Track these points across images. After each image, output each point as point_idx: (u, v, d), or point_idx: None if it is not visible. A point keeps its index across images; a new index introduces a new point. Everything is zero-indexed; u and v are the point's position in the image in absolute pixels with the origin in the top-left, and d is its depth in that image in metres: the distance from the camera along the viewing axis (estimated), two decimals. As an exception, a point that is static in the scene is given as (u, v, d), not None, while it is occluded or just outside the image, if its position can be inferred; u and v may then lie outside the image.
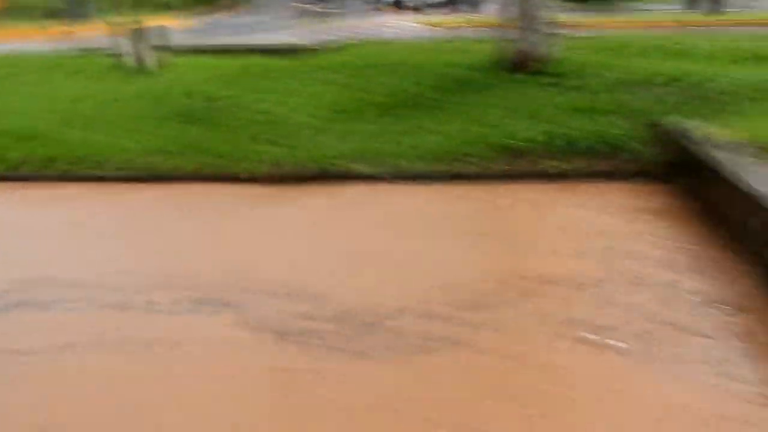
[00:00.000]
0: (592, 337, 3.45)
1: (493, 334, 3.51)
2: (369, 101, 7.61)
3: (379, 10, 25.57)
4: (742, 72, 7.21)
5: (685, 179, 5.43)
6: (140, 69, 10.85)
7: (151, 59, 10.98)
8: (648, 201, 5.31)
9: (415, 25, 18.72)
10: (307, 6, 19.99)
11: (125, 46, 11.11)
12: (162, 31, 11.60)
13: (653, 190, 5.54)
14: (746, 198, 4.27)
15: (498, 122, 6.57)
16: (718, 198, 4.77)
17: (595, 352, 3.34)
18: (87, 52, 12.69)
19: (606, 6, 20.14)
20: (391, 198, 5.73)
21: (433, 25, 18.09)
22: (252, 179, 6.11)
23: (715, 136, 5.35)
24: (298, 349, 3.43)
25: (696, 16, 16.67)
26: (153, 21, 12.48)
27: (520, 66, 8.04)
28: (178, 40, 12.91)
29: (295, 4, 21.17)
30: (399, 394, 3.08)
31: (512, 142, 6.17)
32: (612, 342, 3.41)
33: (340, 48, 11.38)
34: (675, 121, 5.88)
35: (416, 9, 25.37)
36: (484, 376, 3.21)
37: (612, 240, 4.60)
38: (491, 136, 6.31)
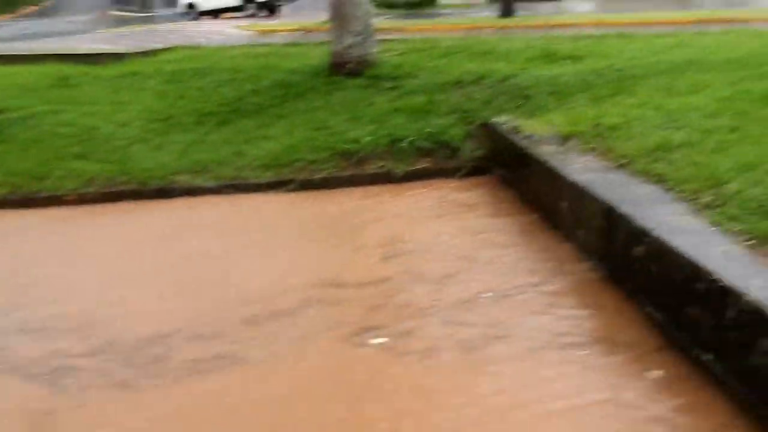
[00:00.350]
0: (376, 341, 3.44)
1: (269, 348, 3.40)
2: (188, 109, 7.24)
3: (187, 14, 24.61)
4: (539, 69, 7.83)
5: (503, 171, 5.79)
6: None
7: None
8: (469, 195, 5.59)
9: (233, 30, 18.25)
10: (114, 11, 18.74)
11: None
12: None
13: (475, 183, 5.84)
14: (556, 184, 4.63)
15: (338, 128, 6.54)
16: (533, 186, 5.13)
17: (376, 355, 3.35)
18: None
19: (414, 11, 21.07)
20: (213, 212, 5.48)
21: (255, 31, 17.76)
22: (55, 200, 5.52)
23: (525, 129, 5.75)
24: (49, 390, 3.13)
25: (493, 20, 17.96)
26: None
27: (344, 69, 8.10)
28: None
29: (101, 9, 19.74)
30: (164, 424, 2.92)
31: (342, 144, 6.18)
32: (388, 342, 3.43)
33: (149, 54, 10.73)
34: (491, 116, 6.23)
35: (214, 14, 24.65)
36: (253, 394, 3.09)
37: (429, 239, 4.71)
38: (320, 140, 6.27)
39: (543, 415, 2.83)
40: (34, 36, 17.62)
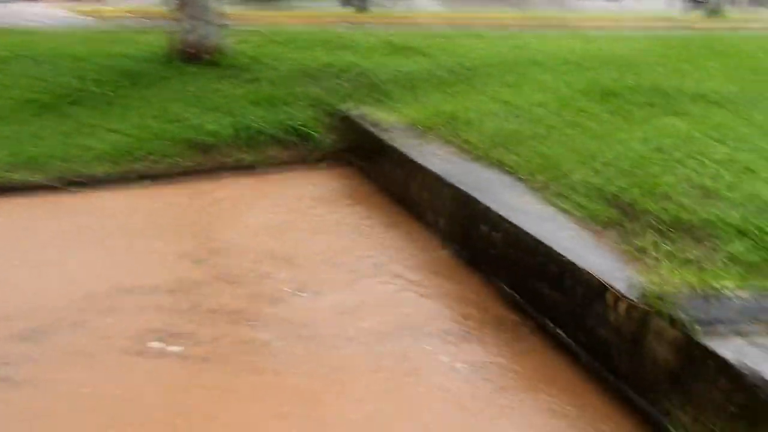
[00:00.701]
0: (165, 347, 3.25)
1: (49, 364, 3.09)
2: (25, 99, 6.59)
3: None
4: (394, 63, 8.04)
5: (362, 162, 5.88)
6: None
7: None
8: (328, 186, 5.62)
9: (64, 14, 16.82)
10: None
11: None
12: None
13: (334, 175, 5.88)
14: (416, 174, 4.79)
15: (179, 116, 6.27)
16: (392, 177, 5.26)
17: (160, 362, 3.16)
18: None
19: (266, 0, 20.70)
20: (53, 211, 5.04)
21: (86, 14, 16.48)
22: None
23: (382, 121, 5.89)
24: None
25: (349, 12, 18.14)
26: None
27: (193, 57, 7.77)
28: None
29: None
30: None
31: (197, 136, 5.95)
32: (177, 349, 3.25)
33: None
34: (349, 108, 6.31)
35: None
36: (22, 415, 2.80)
37: (283, 233, 4.67)
38: (174, 132, 6.00)
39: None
40: None
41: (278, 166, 5.90)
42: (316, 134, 6.17)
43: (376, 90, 6.87)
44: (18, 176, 5.30)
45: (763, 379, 2.16)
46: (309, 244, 4.42)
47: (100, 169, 5.57)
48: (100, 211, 5.06)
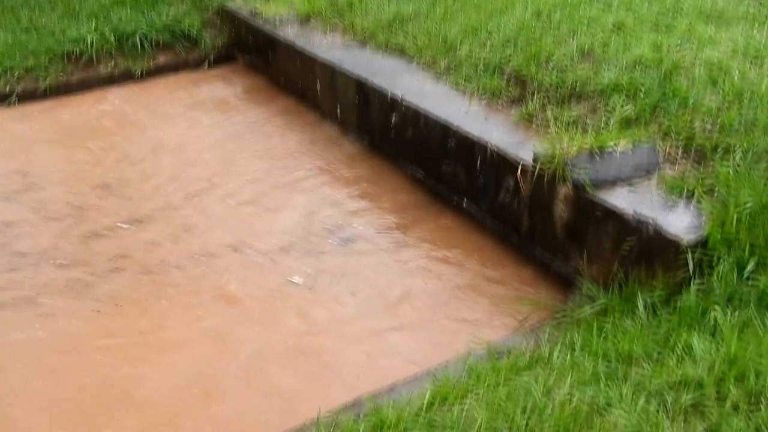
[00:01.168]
0: None
1: None
2: None
3: None
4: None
5: (249, 57, 5.70)
6: None
7: None
8: (217, 86, 5.43)
9: None
10: None
11: None
12: None
13: (222, 74, 5.67)
14: (307, 65, 4.73)
15: (37, 26, 5.73)
16: (283, 69, 5.16)
17: None
18: None
19: None
20: None
21: None
22: None
23: (263, 12, 5.66)
24: None
25: None
26: None
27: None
28: None
29: None
30: None
31: (62, 46, 5.50)
32: None
33: None
34: (238, 4, 5.98)
35: None
36: None
37: (175, 138, 4.57)
38: (33, 43, 5.50)
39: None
40: None
41: (160, 70, 5.60)
42: (196, 32, 5.86)
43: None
44: None
45: (643, 218, 2.47)
46: (211, 151, 4.36)
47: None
48: None
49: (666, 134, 2.90)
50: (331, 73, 4.44)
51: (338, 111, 4.47)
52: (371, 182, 3.89)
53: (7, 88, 5.26)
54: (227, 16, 5.93)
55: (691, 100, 2.99)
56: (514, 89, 3.55)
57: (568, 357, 2.17)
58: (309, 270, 3.17)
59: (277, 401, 2.44)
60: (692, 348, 2.02)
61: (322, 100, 4.66)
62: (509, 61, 3.73)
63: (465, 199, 3.43)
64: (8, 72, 5.36)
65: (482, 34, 4.16)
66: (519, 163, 2.97)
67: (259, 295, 3.02)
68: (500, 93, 3.57)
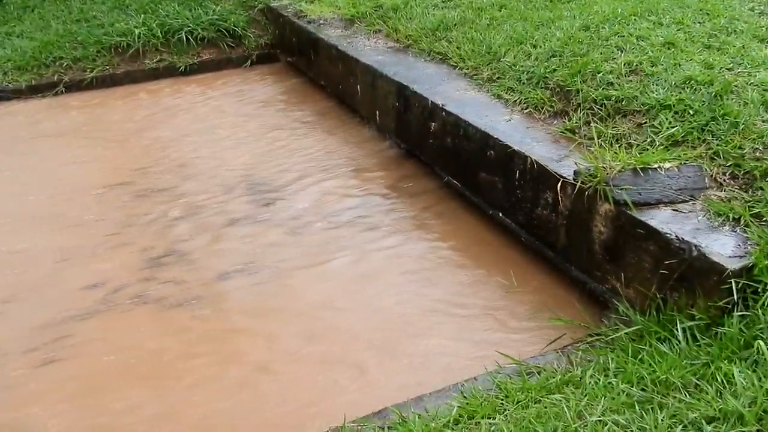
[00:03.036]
0: None
1: None
2: None
3: None
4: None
5: (292, 57, 5.73)
6: None
7: None
8: (259, 85, 5.49)
9: None
10: None
11: None
12: None
13: (264, 72, 5.73)
14: (349, 67, 4.73)
15: (86, 17, 5.86)
16: (325, 71, 5.17)
17: None
18: None
19: None
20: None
21: None
22: None
23: (308, 12, 5.69)
24: None
25: None
26: None
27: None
28: None
29: None
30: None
31: (110, 38, 5.60)
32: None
33: None
34: (284, 3, 6.02)
35: None
36: None
37: (217, 135, 4.63)
38: (83, 34, 5.62)
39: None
40: None
41: (204, 66, 5.67)
42: (240, 30, 5.92)
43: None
44: None
45: (686, 241, 2.39)
46: (248, 150, 4.38)
47: (5, 78, 5.25)
48: (7, 124, 4.81)
49: (714, 156, 2.81)
50: (372, 77, 4.43)
51: (377, 115, 4.45)
52: (405, 188, 3.87)
53: (56, 77, 5.38)
54: (272, 15, 5.98)
55: (742, 123, 2.90)
56: (558, 102, 3.49)
57: (602, 380, 2.10)
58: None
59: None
60: (733, 380, 1.94)
61: (362, 104, 4.65)
62: (554, 73, 3.67)
63: (500, 211, 3.38)
64: (57, 61, 5.50)
65: (527, 45, 4.10)
66: (559, 178, 2.91)
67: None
68: (543, 105, 3.52)
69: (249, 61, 5.81)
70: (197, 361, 2.63)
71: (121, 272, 3.16)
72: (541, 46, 4.00)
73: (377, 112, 4.45)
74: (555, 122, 3.37)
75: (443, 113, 3.71)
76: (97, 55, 5.58)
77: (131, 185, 3.96)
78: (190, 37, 5.76)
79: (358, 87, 4.65)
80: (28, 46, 5.55)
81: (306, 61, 5.48)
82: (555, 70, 3.69)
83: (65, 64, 5.48)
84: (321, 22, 5.43)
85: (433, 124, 3.81)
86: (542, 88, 3.64)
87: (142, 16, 5.93)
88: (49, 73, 5.40)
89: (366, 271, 3.18)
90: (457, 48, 4.38)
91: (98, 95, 5.32)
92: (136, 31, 5.71)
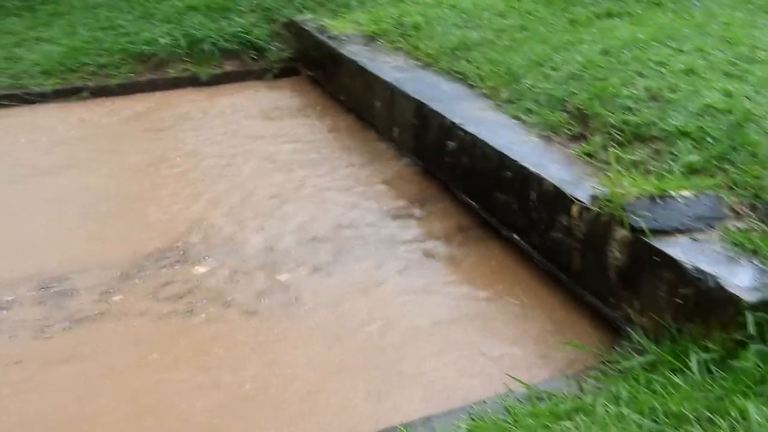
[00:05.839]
0: None
1: None
2: None
3: None
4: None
5: (312, 71, 5.77)
6: None
7: None
8: (279, 97, 5.54)
9: None
10: None
11: None
12: None
13: (284, 85, 5.78)
14: (368, 83, 4.77)
15: (111, 24, 5.98)
16: (344, 86, 5.21)
17: None
18: None
19: None
20: (27, 123, 4.88)
21: None
22: None
23: (330, 28, 5.75)
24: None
25: None
26: None
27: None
28: None
29: None
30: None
31: (135, 47, 5.69)
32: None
33: None
34: (292, 15, 6.10)
35: None
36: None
37: (236, 146, 4.65)
38: (110, 41, 5.73)
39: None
40: None
41: (226, 77, 5.73)
42: (263, 43, 5.99)
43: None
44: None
45: (703, 271, 2.37)
46: (265, 161, 4.41)
47: (33, 82, 5.33)
48: (32, 127, 4.88)
49: (733, 186, 2.79)
50: (392, 93, 4.45)
51: (395, 132, 4.47)
52: (421, 204, 3.87)
53: (81, 83, 5.47)
54: (294, 30, 6.04)
55: (761, 153, 2.88)
56: (576, 125, 3.49)
57: (613, 409, 2.08)
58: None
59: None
60: (748, 416, 1.91)
61: (380, 120, 4.67)
62: (573, 96, 3.67)
63: (515, 232, 3.37)
64: (83, 67, 5.58)
65: (547, 67, 4.11)
66: (575, 201, 2.90)
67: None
68: (561, 128, 3.51)
69: (271, 74, 5.87)
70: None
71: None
72: (560, 69, 4.01)
73: (395, 128, 4.47)
74: (572, 145, 3.37)
75: (461, 132, 3.71)
76: (121, 63, 5.67)
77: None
78: (213, 48, 5.84)
79: (377, 103, 4.67)
80: (55, 51, 5.65)
81: (326, 75, 5.53)
82: (574, 93, 3.69)
83: (90, 70, 5.57)
84: (342, 37, 5.48)
85: (451, 142, 3.82)
86: (561, 110, 3.64)
87: (167, 26, 6.02)
88: (74, 79, 5.49)
89: (377, 284, 3.18)
90: (477, 68, 4.40)
91: (116, 103, 5.37)
92: (161, 41, 5.80)
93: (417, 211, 3.82)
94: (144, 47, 5.72)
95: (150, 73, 5.64)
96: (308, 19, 6.00)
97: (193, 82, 5.67)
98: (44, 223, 3.68)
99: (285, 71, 5.92)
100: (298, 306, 3.03)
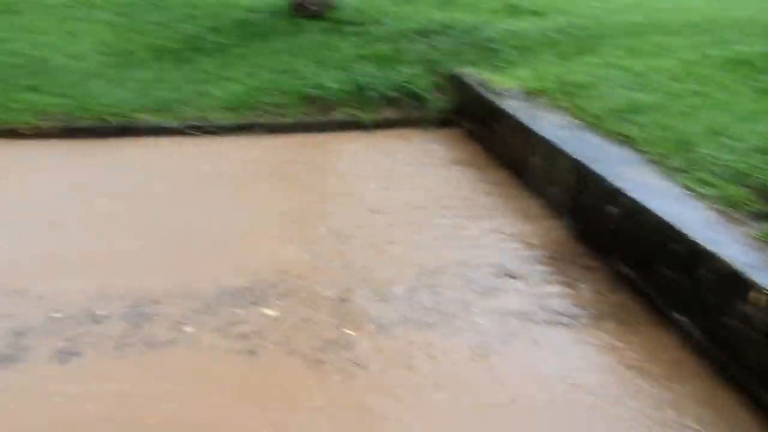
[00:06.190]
0: None
1: None
2: (164, 47, 6.89)
3: None
4: (504, 22, 7.84)
5: (471, 124, 5.81)
6: None
7: None
8: (437, 147, 5.57)
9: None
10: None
11: None
12: None
13: (442, 136, 5.83)
14: (527, 140, 4.70)
15: (304, 71, 6.38)
16: (502, 141, 5.18)
17: None
18: None
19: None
20: (176, 154, 5.24)
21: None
22: (11, 133, 5.23)
23: (492, 82, 5.78)
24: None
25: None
26: None
27: (302, 10, 7.90)
28: None
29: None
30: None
31: (321, 92, 6.03)
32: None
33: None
34: (470, 72, 6.19)
35: None
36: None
37: (396, 192, 4.67)
38: (285, 84, 6.12)
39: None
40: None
41: (387, 124, 5.90)
42: (424, 93, 6.14)
43: (486, 49, 6.74)
44: (143, 117, 5.53)
45: None
46: (416, 210, 4.41)
47: (215, 116, 5.76)
48: (217, 156, 5.23)
49: None
50: (551, 152, 4.36)
51: (551, 191, 4.36)
52: (575, 271, 3.70)
53: (256, 119, 5.86)
54: (456, 82, 6.14)
55: None
56: (759, 203, 3.20)
57: None
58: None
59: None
60: None
61: (537, 178, 4.58)
62: (757, 171, 3.38)
63: (677, 311, 3.12)
64: (260, 105, 5.99)
65: (726, 137, 3.85)
66: (755, 287, 2.64)
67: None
68: (741, 204, 3.24)
69: (430, 124, 5.98)
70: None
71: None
72: (743, 140, 3.73)
73: (552, 187, 4.36)
74: (754, 224, 3.09)
75: (624, 198, 3.54)
76: (293, 103, 6.04)
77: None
78: (377, 94, 6.07)
79: (535, 160, 4.59)
80: (238, 89, 6.13)
81: (484, 128, 5.54)
82: (759, 167, 3.41)
83: (266, 108, 5.97)
84: (503, 92, 5.48)
85: (612, 207, 3.65)
86: (741, 185, 3.37)
87: (338, 72, 6.36)
88: (251, 115, 5.90)
89: (484, 353, 2.99)
90: (645, 132, 4.21)
91: (289, 140, 5.69)
92: (330, 86, 6.12)
93: (568, 274, 3.65)
94: (314, 90, 6.05)
95: (318, 114, 5.95)
96: (470, 73, 6.08)
97: (356, 125, 5.89)
98: (154, 245, 3.81)
99: (443, 122, 6.01)
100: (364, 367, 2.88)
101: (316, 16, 7.86)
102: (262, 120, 5.82)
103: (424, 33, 7.30)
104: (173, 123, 5.56)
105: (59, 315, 3.11)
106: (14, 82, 5.75)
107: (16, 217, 4.10)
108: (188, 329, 3.05)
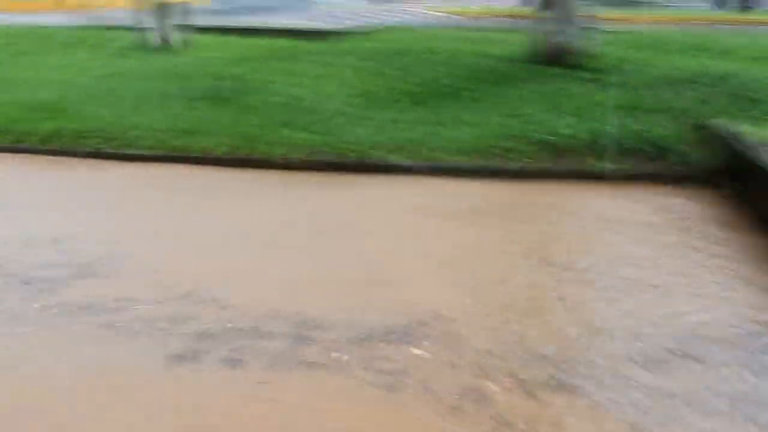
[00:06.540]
0: None
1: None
2: (402, 90, 7.39)
3: None
4: (766, 70, 6.90)
5: (736, 185, 5.07)
6: (164, 47, 10.73)
7: (175, 37, 10.86)
8: (695, 206, 4.95)
9: (427, 12, 18.46)
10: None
11: (149, 22, 10.98)
12: (185, 8, 11.43)
13: (700, 194, 5.13)
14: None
15: (537, 117, 6.29)
16: (764, 202, 4.48)
17: None
18: (108, 28, 12.60)
19: (631, 1, 19.72)
20: (429, 192, 5.36)
21: (450, 14, 17.86)
22: (266, 163, 5.92)
23: (752, 136, 5.07)
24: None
25: (726, 15, 16.20)
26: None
27: (556, 59, 7.77)
28: (200, 18, 12.74)
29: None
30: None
31: (554, 138, 5.86)
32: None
33: (366, 33, 11.22)
34: (723, 123, 5.55)
35: None
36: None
37: (658, 250, 4.22)
38: (531, 132, 5.99)
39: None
40: (255, 11, 19.28)
41: (630, 178, 5.40)
42: (666, 145, 5.61)
43: (743, 99, 6.01)
44: (378, 154, 5.82)
45: None
46: (664, 278, 3.88)
47: (446, 157, 5.80)
48: (465, 199, 5.17)
49: None
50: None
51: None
52: None
53: (482, 163, 5.79)
54: (705, 134, 5.52)
55: None
56: None
57: None
58: None
59: None
60: None
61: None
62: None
63: None
64: (490, 149, 5.90)
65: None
66: None
67: None
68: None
69: (671, 178, 5.41)
70: None
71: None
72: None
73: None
74: None
75: None
76: (521, 149, 5.90)
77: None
78: (612, 143, 5.69)
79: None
80: (470, 132, 6.20)
81: (740, 187, 4.83)
82: None
83: (495, 152, 5.92)
84: (763, 146, 4.78)
85: None
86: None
87: (572, 118, 6.12)
88: (478, 158, 5.89)
89: None
90: None
91: (525, 186, 5.45)
92: (562, 132, 5.90)
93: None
94: (545, 136, 5.88)
95: (547, 161, 5.71)
96: (722, 124, 5.41)
97: (586, 175, 5.55)
98: (331, 274, 3.95)
99: (688, 177, 5.38)
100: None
101: (566, 64, 7.68)
102: (489, 163, 5.77)
103: (680, 83, 6.75)
104: (405, 161, 5.81)
105: (231, 325, 3.40)
106: (272, 118, 6.54)
107: (242, 239, 4.48)
108: (337, 355, 3.16)
